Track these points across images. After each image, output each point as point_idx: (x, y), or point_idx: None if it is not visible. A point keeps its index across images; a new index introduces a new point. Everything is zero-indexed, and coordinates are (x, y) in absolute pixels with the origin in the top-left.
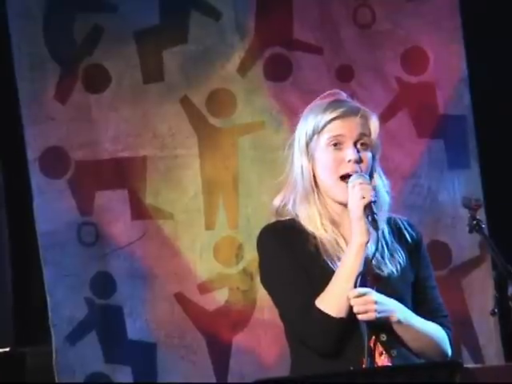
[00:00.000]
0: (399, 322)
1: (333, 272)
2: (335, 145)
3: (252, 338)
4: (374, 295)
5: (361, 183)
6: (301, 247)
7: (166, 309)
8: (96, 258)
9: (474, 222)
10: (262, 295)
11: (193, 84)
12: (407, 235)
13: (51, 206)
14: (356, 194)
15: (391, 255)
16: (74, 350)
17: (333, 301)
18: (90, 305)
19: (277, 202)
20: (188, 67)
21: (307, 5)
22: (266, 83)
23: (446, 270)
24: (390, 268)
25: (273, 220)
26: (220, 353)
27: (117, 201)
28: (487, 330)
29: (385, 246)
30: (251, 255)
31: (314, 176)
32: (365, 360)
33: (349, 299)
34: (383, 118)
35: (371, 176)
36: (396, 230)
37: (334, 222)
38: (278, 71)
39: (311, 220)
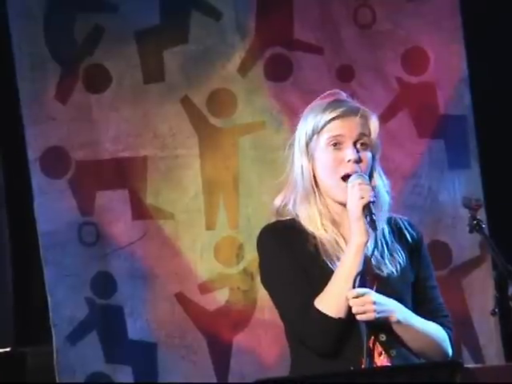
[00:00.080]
0: (399, 322)
1: (332, 272)
2: (335, 145)
3: (252, 338)
4: (372, 295)
5: (360, 183)
6: (301, 247)
7: (167, 309)
8: (97, 258)
9: (475, 221)
10: (263, 295)
11: (193, 84)
12: (407, 235)
13: (52, 205)
14: (355, 194)
15: (391, 255)
16: (75, 349)
17: (332, 301)
18: (91, 305)
19: (277, 201)
20: (188, 67)
21: (308, 5)
22: (267, 83)
23: (446, 269)
24: (389, 268)
25: (273, 220)
26: (220, 353)
27: (117, 201)
28: (487, 330)
29: (385, 246)
30: (252, 255)
31: (314, 176)
32: (364, 360)
33: (348, 299)
34: (384, 118)
35: (371, 176)
36: (396, 229)
37: (334, 222)
38: (279, 71)
39: (311, 220)
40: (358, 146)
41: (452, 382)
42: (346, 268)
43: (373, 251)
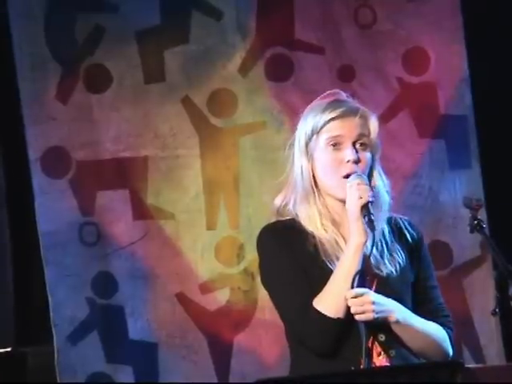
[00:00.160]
0: (398, 322)
1: (331, 272)
2: (334, 145)
3: (253, 338)
4: (371, 295)
5: (358, 183)
6: (300, 247)
7: (168, 309)
8: (97, 258)
9: (475, 222)
10: (263, 295)
11: (194, 84)
12: (407, 235)
13: (53, 205)
14: (353, 194)
15: (391, 255)
16: (76, 349)
17: (330, 301)
18: (92, 305)
19: (277, 201)
20: (189, 67)
21: (308, 5)
22: (268, 83)
23: (447, 270)
24: (389, 268)
25: (273, 220)
26: (221, 353)
27: (118, 201)
28: (488, 330)
29: (384, 246)
30: (252, 255)
31: (313, 176)
32: (363, 360)
33: (346, 299)
34: (384, 118)
35: (371, 176)
36: (396, 229)
37: (334, 222)
38: (280, 71)
39: (311, 220)
40: (358, 146)
41: (453, 382)
42: (344, 268)
43: (371, 250)
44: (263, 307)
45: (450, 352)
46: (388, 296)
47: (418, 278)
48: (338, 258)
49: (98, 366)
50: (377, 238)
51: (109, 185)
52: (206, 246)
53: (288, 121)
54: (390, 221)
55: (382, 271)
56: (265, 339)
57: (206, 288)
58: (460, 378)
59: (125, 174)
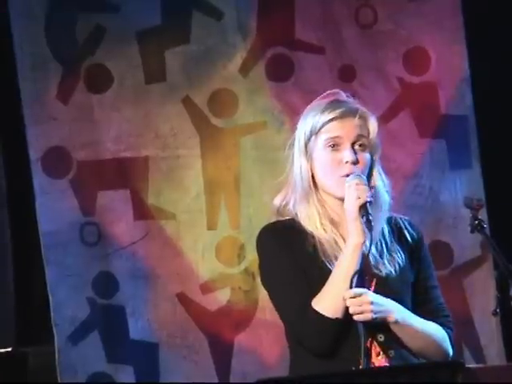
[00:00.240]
0: (397, 322)
1: (330, 272)
2: (333, 146)
3: (254, 338)
4: (370, 296)
5: (357, 183)
6: (300, 247)
7: (168, 309)
8: (98, 258)
9: (476, 222)
10: (264, 295)
11: (195, 84)
12: (407, 235)
13: (53, 205)
14: (352, 194)
15: (390, 255)
16: (76, 349)
17: (329, 301)
18: (92, 305)
19: (277, 201)
20: (190, 67)
21: (309, 5)
22: (268, 83)
23: (447, 270)
24: (388, 268)
25: (273, 220)
26: (222, 353)
27: (119, 201)
28: (489, 330)
29: (384, 246)
30: (253, 255)
31: (312, 176)
32: (361, 360)
33: (345, 300)
34: (385, 118)
35: (370, 176)
36: (396, 229)
37: (333, 222)
38: (280, 71)
39: (310, 220)
40: (356, 147)
41: (453, 382)
42: (343, 268)
43: (369, 250)
44: (264, 307)
45: (450, 352)
46: (387, 296)
47: (418, 278)
48: (337, 258)
49: (98, 365)
50: (376, 238)
51: (110, 185)
52: (206, 246)
53: (289, 121)
54: (390, 221)
55: (381, 271)
56: (265, 339)
57: (206, 288)
58: (460, 378)
59: (126, 174)
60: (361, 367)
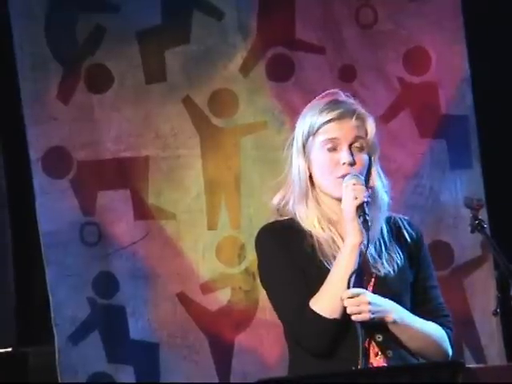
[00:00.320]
0: (395, 322)
1: (329, 272)
2: (330, 147)
3: (254, 338)
4: (367, 296)
5: (354, 184)
6: (298, 247)
7: (169, 309)
8: (98, 258)
9: (476, 221)
10: (265, 295)
11: (195, 84)
12: (406, 235)
13: (54, 205)
14: (349, 194)
15: (389, 255)
16: (77, 349)
17: (326, 301)
18: (93, 305)
19: (275, 200)
20: (190, 67)
21: (309, 5)
22: (269, 83)
23: (447, 269)
24: (386, 268)
25: (273, 220)
26: (222, 353)
27: (119, 201)
28: (489, 330)
29: (383, 246)
30: (253, 255)
31: (310, 176)
32: (360, 361)
33: (342, 300)
34: (385, 118)
35: (368, 177)
36: (395, 229)
37: (331, 221)
38: (281, 71)
39: (308, 219)
40: (354, 148)
41: (454, 382)
42: (340, 268)
43: (366, 250)
44: (264, 307)
45: (450, 352)
46: (386, 296)
47: (418, 277)
48: (335, 258)
49: (99, 365)
50: (375, 238)
51: (110, 185)
52: (207, 246)
53: (289, 121)
54: (389, 220)
55: (379, 271)
56: (266, 339)
57: (207, 288)
58: (461, 378)
59: (126, 174)
60: (359, 367)
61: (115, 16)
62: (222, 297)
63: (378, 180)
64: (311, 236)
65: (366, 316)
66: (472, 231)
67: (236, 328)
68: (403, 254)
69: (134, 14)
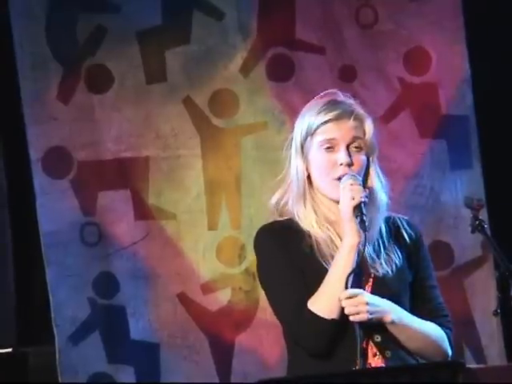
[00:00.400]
0: (393, 322)
1: (327, 272)
2: (328, 148)
3: (255, 338)
4: (365, 296)
5: (351, 184)
6: (297, 247)
7: (169, 309)
8: (99, 258)
9: (477, 222)
10: (265, 295)
11: (195, 84)
12: (405, 235)
13: (54, 206)
14: (346, 194)
15: (387, 255)
16: (77, 350)
17: (324, 302)
18: (93, 305)
19: (274, 200)
20: (190, 67)
21: (309, 5)
22: (269, 83)
23: (448, 270)
24: (385, 268)
25: (272, 220)
26: (223, 353)
27: (119, 201)
28: (490, 331)
29: (381, 246)
30: (254, 255)
31: (308, 176)
32: (358, 361)
33: (340, 300)
34: (385, 119)
35: (367, 177)
36: (394, 229)
37: (329, 221)
38: (281, 71)
39: (307, 219)
40: (352, 148)
41: (454, 382)
42: (338, 269)
43: (363, 251)
44: (265, 307)
45: (449, 352)
46: (385, 296)
47: (417, 277)
48: (333, 258)
49: (99, 366)
50: (374, 238)
51: (110, 185)
52: (207, 247)
53: (289, 121)
54: (387, 220)
55: (378, 271)
56: (266, 339)
57: (207, 288)
58: (461, 378)
59: (126, 175)
60: (357, 368)
61: (116, 16)
62: (223, 297)
63: (377, 180)
64: (310, 236)
65: (364, 316)
66: (472, 231)
67: (236, 328)
68: (402, 254)
69: (135, 14)
